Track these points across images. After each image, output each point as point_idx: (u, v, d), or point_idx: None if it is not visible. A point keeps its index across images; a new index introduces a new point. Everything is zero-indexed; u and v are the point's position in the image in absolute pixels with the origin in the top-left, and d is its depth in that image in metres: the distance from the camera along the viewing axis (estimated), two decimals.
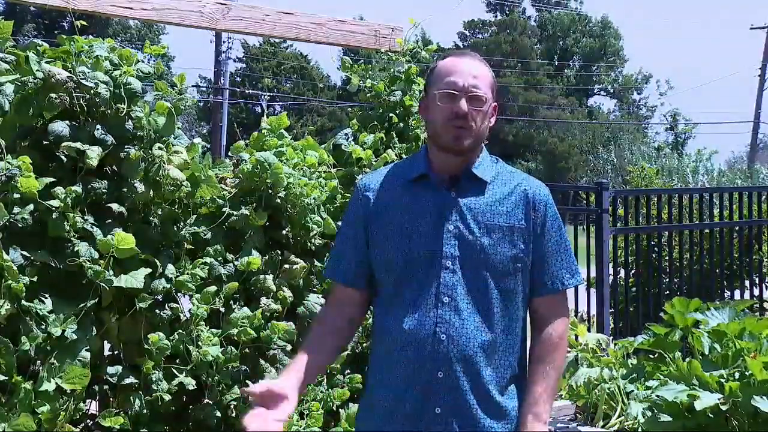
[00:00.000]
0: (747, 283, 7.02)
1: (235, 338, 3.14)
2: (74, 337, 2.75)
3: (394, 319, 2.13)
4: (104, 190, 2.93)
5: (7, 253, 2.67)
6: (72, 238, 2.83)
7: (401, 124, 4.00)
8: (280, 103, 39.24)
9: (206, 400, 3.13)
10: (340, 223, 3.54)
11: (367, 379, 2.31)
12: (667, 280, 6.70)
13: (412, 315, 2.10)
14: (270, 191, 3.37)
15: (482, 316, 2.10)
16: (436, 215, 2.14)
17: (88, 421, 3.02)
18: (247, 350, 3.22)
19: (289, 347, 3.31)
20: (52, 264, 2.80)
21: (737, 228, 6.77)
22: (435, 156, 2.20)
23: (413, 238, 2.13)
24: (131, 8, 3.35)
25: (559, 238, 2.20)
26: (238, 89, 37.52)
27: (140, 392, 2.98)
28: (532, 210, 2.17)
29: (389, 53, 4.06)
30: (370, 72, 4.05)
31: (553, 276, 2.18)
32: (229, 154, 3.53)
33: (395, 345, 2.12)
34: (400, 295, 2.13)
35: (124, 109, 2.99)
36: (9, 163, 2.72)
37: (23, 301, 2.69)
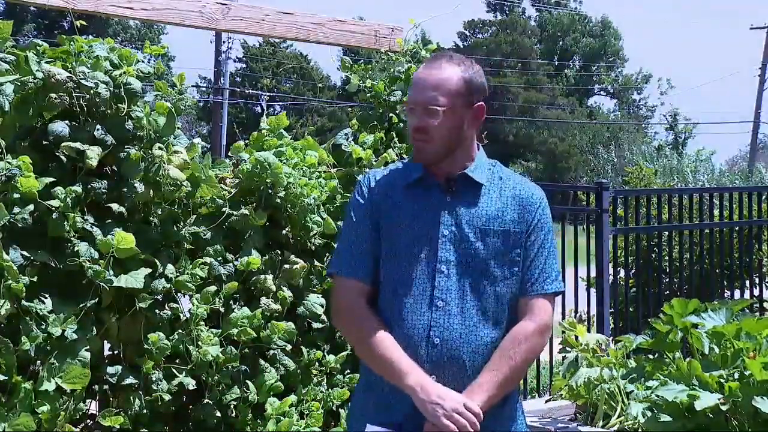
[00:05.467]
0: (747, 283, 7.02)
1: (235, 338, 3.14)
2: (74, 337, 2.75)
3: (390, 320, 2.13)
4: (104, 190, 2.93)
5: (7, 253, 2.67)
6: (72, 238, 2.83)
7: (401, 124, 3.99)
8: (280, 103, 39.22)
9: (206, 400, 3.13)
10: (341, 223, 3.57)
11: (361, 376, 2.30)
12: (667, 280, 6.69)
13: (407, 318, 2.10)
14: (270, 191, 3.37)
15: (476, 320, 2.10)
16: (432, 219, 2.14)
17: (88, 421, 3.02)
18: (247, 350, 3.22)
19: (289, 347, 3.31)
20: (52, 264, 2.80)
21: (737, 228, 6.77)
22: None
23: (409, 241, 2.14)
24: (131, 8, 3.35)
25: (545, 243, 2.18)
26: (238, 89, 37.52)
27: (140, 392, 2.98)
28: (527, 214, 2.17)
29: (389, 53, 4.05)
30: (369, 72, 4.05)
31: (537, 280, 2.17)
32: (229, 154, 3.53)
33: None
34: (395, 297, 2.14)
35: (124, 109, 2.99)
36: (9, 163, 2.72)
37: (23, 301, 2.69)
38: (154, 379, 2.99)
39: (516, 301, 2.16)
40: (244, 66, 41.42)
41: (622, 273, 6.54)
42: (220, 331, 3.15)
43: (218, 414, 3.14)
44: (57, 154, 2.88)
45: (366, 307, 2.16)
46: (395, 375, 2.06)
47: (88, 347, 2.81)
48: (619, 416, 3.73)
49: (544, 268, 2.17)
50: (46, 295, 2.77)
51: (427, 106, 2.12)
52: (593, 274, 5.96)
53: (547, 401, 4.24)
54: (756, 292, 7.00)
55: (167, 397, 3.00)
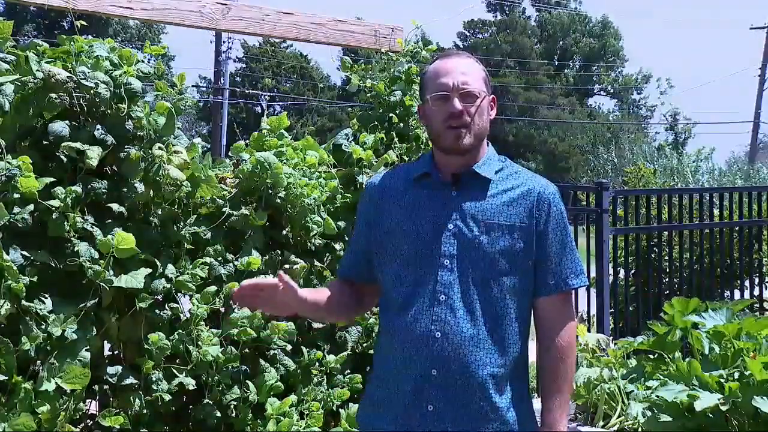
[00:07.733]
0: (747, 283, 7.02)
1: (235, 338, 3.15)
2: (74, 337, 2.75)
3: (393, 315, 2.15)
4: (104, 190, 2.93)
5: (7, 253, 2.67)
6: (72, 238, 2.83)
7: (401, 125, 3.99)
8: (280, 103, 39.22)
9: (206, 400, 3.13)
10: (341, 223, 3.58)
11: (370, 372, 2.34)
12: (667, 280, 6.70)
13: (409, 312, 2.11)
14: (270, 191, 3.37)
15: (478, 315, 2.09)
16: (437, 214, 2.14)
17: (88, 421, 3.02)
18: (247, 350, 3.22)
19: (289, 347, 3.31)
20: (52, 264, 2.80)
21: (737, 228, 6.77)
22: (439, 156, 2.21)
23: (412, 236, 2.14)
24: (131, 8, 3.36)
25: (564, 238, 2.17)
26: (238, 89, 37.51)
27: (140, 392, 2.98)
28: (535, 208, 2.15)
29: (389, 53, 4.06)
30: (370, 72, 4.05)
31: (556, 276, 2.16)
32: (229, 154, 3.53)
33: (392, 341, 2.13)
34: (398, 292, 2.15)
35: (124, 109, 2.99)
36: (9, 163, 2.72)
37: (23, 301, 2.69)
38: (154, 379, 2.99)
39: (521, 295, 2.15)
40: (244, 66, 41.41)
41: (622, 273, 6.54)
42: (220, 331, 3.15)
43: (218, 414, 3.14)
44: (57, 154, 2.88)
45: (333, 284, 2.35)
46: None
47: (88, 347, 2.81)
48: (619, 416, 3.74)
49: (567, 263, 2.17)
50: (46, 295, 2.77)
51: (464, 90, 2.12)
52: (593, 274, 5.96)
53: None
54: (756, 292, 7.01)
55: (167, 397, 3.00)
